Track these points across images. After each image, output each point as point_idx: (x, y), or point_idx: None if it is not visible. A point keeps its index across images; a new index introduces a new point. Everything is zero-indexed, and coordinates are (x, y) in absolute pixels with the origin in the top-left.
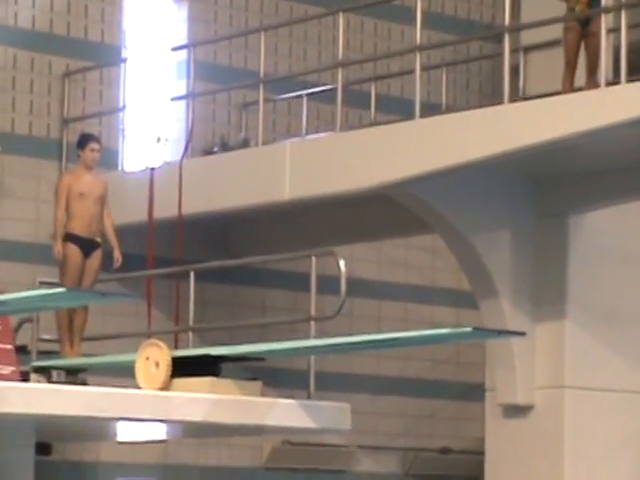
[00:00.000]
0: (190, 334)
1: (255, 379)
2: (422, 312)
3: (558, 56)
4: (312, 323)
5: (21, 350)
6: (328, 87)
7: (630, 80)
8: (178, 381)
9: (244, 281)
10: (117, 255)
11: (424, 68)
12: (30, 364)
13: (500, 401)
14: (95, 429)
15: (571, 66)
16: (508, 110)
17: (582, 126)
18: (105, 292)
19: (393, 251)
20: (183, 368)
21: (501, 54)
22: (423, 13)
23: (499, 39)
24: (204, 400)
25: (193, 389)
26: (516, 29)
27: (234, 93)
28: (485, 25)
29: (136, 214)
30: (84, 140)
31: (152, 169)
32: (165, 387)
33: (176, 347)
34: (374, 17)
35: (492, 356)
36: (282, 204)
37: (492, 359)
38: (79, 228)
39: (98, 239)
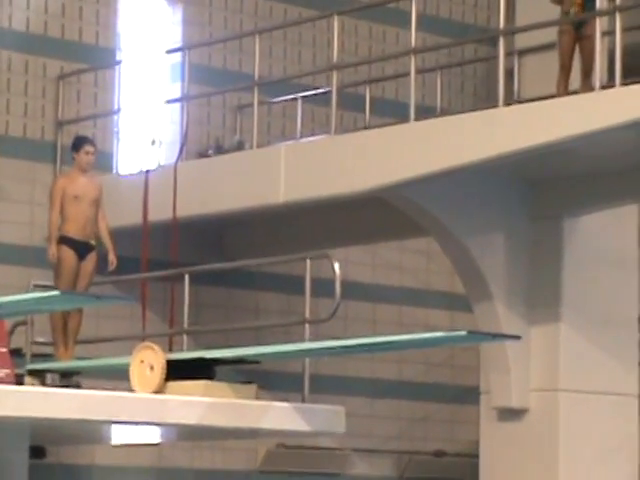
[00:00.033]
0: (184, 337)
1: (249, 382)
2: (417, 315)
3: (553, 59)
4: (307, 326)
5: (15, 353)
6: (323, 90)
7: (625, 83)
8: (172, 384)
9: (239, 284)
10: (112, 258)
11: (419, 71)
12: (24, 367)
13: (495, 404)
14: (89, 432)
15: (566, 69)
16: (503, 113)
17: (577, 129)
18: (99, 295)
19: (388, 254)
20: (177, 371)
21: (496, 57)
22: (418, 16)
23: (494, 42)
24: (198, 403)
25: (187, 392)
26: (511, 32)
27: (229, 96)
28: (480, 28)
29: (131, 217)
30: (79, 143)
31: (147, 172)
32: (159, 390)
33: (170, 350)
34: (369, 20)
35: (487, 359)
36: (277, 207)
37: (487, 362)
38: (74, 231)
39: (93, 242)
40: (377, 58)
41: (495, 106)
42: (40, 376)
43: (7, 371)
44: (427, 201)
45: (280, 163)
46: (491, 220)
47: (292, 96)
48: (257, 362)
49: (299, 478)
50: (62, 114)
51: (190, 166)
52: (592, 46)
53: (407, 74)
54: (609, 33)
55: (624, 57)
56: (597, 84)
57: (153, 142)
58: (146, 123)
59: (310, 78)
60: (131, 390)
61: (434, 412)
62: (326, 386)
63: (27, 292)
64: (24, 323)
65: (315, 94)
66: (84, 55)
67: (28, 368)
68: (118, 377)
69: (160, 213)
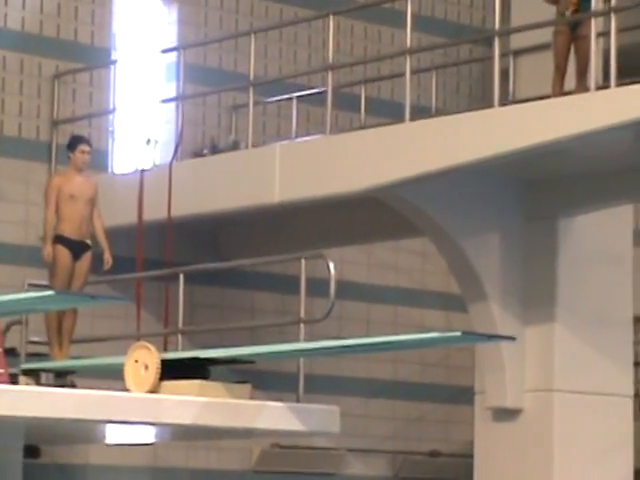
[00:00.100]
0: (179, 337)
1: (244, 382)
2: (412, 315)
3: (548, 60)
4: (301, 326)
5: (10, 352)
6: (318, 90)
7: (620, 84)
8: (167, 384)
9: (233, 284)
10: (107, 257)
11: (414, 71)
12: (19, 366)
13: (489, 404)
14: (84, 432)
15: (561, 70)
16: (498, 113)
17: (572, 130)
18: (94, 295)
19: (383, 254)
20: (172, 371)
21: (491, 57)
22: (413, 16)
23: (489, 42)
24: (193, 403)
25: (182, 392)
26: (506, 32)
27: (224, 95)
28: (475, 28)
29: (126, 216)
30: (74, 142)
31: (142, 171)
32: (154, 390)
33: (165, 350)
34: (364, 20)
35: (481, 359)
36: (272, 207)
37: (481, 362)
38: (69, 230)
39: (88, 241)
40: (372, 58)
41: (490, 106)
42: (35, 375)
43: (1, 371)
44: (422, 201)
45: (275, 163)
46: (486, 220)
47: (287, 96)
48: (252, 362)
49: (294, 478)
50: (57, 113)
51: (185, 166)
52: (587, 47)
53: (402, 74)
54: (604, 34)
55: (619, 58)
56: (592, 85)
57: (148, 141)
58: (141, 122)
59: (305, 78)
60: (126, 390)
61: (429, 412)
62: (321, 386)
63: (22, 291)
64: (19, 322)
65: (310, 94)
66: (79, 54)
67: (23, 367)
68: (113, 377)
69: (155, 212)
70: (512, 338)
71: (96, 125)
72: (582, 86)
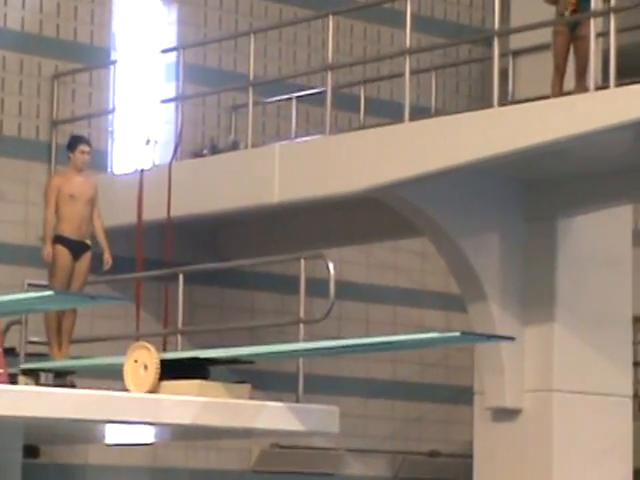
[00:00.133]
0: (179, 337)
1: (243, 382)
2: (411, 315)
3: (547, 60)
4: (301, 326)
5: (9, 352)
6: (317, 90)
7: (619, 84)
8: (166, 384)
9: (233, 284)
10: (107, 257)
11: (413, 71)
12: (18, 366)
13: (489, 404)
14: (83, 432)
15: (560, 70)
16: (497, 114)
17: (571, 130)
18: (94, 295)
19: (382, 254)
20: (171, 371)
21: (490, 58)
22: (413, 16)
23: (488, 43)
24: (193, 403)
25: (182, 392)
26: (505, 33)
27: (223, 96)
28: (474, 29)
29: (125, 216)
30: (74, 142)
31: (141, 171)
32: (153, 390)
33: (165, 350)
34: (364, 20)
35: (481, 359)
36: (271, 207)
37: (481, 362)
38: (69, 230)
39: (88, 241)
40: (372, 58)
41: (490, 107)
42: (34, 375)
43: (1, 371)
44: (422, 201)
45: (275, 163)
46: (486, 220)
47: (287, 96)
48: (251, 362)
49: (293, 478)
50: (57, 114)
51: (185, 166)
52: (587, 47)
53: (402, 74)
54: (604, 34)
55: (618, 58)
56: (591, 85)
57: (148, 142)
58: (141, 123)
59: (305, 78)
60: (125, 390)
61: (428, 412)
62: (320, 386)
63: (21, 291)
64: (18, 322)
65: (310, 94)
66: (79, 55)
67: (22, 367)
68: (112, 377)
69: (155, 213)
70: (511, 338)
71: (96, 125)
72: (581, 86)
